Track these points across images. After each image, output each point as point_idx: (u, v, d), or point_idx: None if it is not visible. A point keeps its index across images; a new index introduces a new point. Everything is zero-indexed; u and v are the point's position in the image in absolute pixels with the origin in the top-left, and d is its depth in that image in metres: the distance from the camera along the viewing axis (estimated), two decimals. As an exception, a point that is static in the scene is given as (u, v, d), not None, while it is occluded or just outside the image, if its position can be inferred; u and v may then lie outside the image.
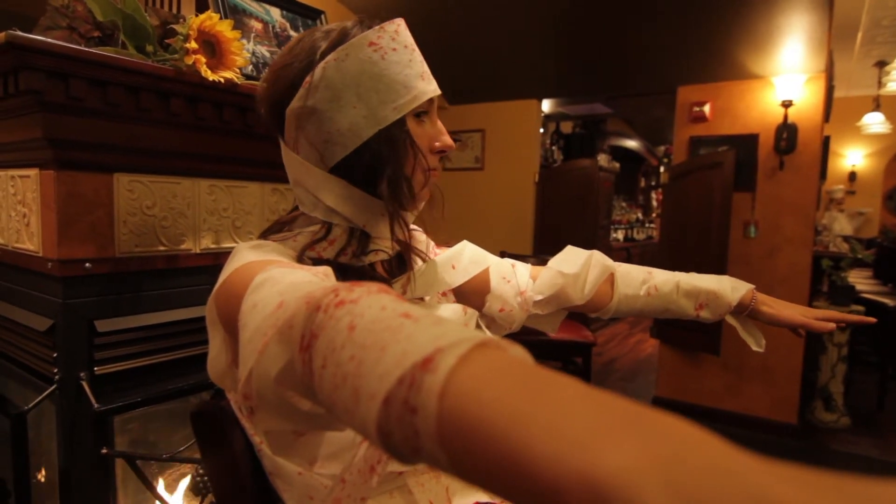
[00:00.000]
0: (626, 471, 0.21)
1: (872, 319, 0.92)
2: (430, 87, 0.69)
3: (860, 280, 4.44)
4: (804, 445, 3.09)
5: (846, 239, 4.64)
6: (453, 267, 0.87)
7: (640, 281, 0.94)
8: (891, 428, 3.40)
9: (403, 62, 0.66)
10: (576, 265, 0.92)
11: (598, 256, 0.94)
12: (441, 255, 0.88)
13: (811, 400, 3.39)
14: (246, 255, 0.59)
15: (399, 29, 0.68)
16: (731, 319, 0.97)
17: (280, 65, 0.68)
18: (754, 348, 0.98)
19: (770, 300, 0.95)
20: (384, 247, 0.72)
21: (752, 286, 0.95)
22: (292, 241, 0.69)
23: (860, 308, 3.33)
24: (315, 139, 0.66)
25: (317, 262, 0.67)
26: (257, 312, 0.45)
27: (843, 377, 3.32)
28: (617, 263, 0.96)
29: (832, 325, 0.92)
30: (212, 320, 0.59)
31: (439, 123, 0.73)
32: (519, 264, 0.95)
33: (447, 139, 0.72)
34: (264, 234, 0.73)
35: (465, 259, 0.90)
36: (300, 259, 0.66)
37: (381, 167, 0.67)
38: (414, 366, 0.30)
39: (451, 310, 0.77)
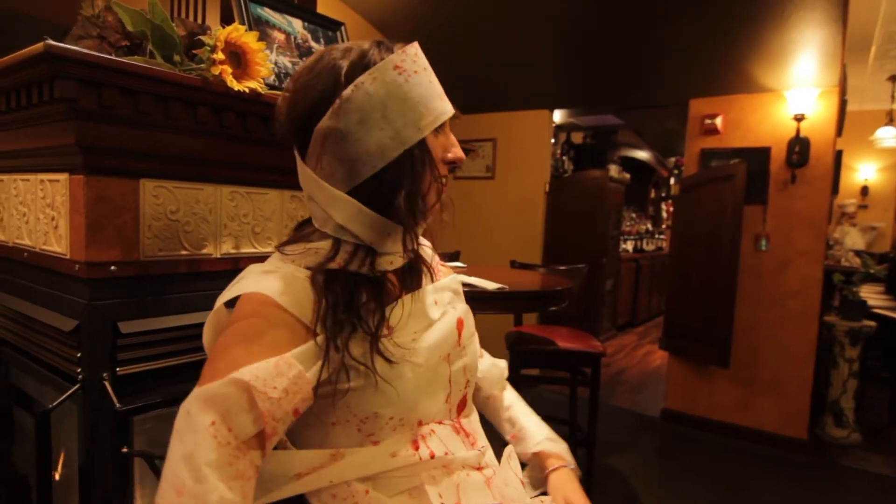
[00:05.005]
0: None
1: None
2: (448, 107, 0.74)
3: (872, 295, 4.40)
4: (814, 461, 3.07)
5: (858, 253, 4.61)
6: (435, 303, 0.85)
7: (505, 406, 1.05)
8: (903, 445, 3.37)
9: (424, 84, 0.70)
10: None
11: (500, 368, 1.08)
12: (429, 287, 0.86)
13: (822, 415, 3.37)
14: (254, 283, 0.66)
15: (418, 52, 0.72)
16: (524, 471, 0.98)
17: (302, 84, 0.71)
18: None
19: (561, 480, 0.93)
20: (394, 259, 0.75)
21: (563, 454, 0.98)
22: (305, 257, 0.72)
23: (872, 324, 3.31)
24: (343, 158, 0.69)
25: (328, 272, 0.70)
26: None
27: (854, 392, 3.30)
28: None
29: None
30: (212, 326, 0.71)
31: (452, 136, 0.77)
32: (486, 353, 1.08)
33: (459, 151, 0.76)
34: (282, 246, 0.76)
35: (446, 299, 0.88)
36: (313, 280, 0.69)
37: (401, 184, 0.70)
38: None
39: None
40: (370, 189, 0.70)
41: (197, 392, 0.57)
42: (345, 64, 0.69)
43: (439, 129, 0.74)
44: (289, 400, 0.59)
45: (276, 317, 0.64)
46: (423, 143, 0.71)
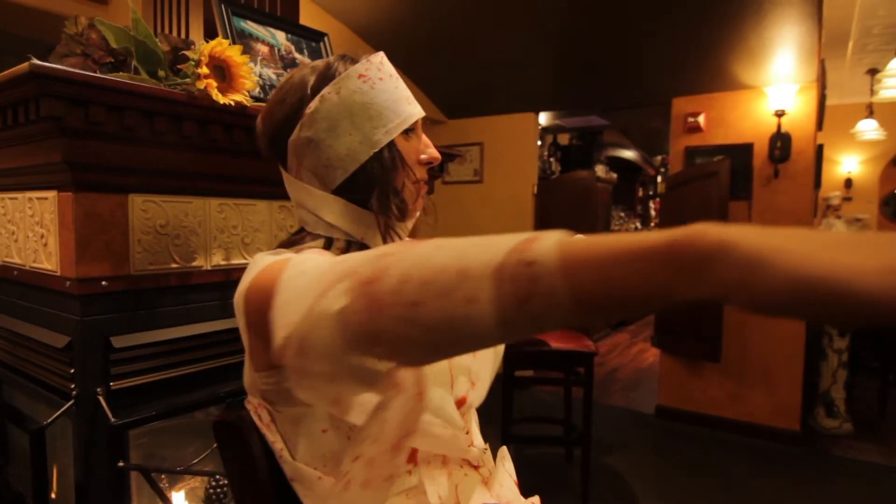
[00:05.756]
0: (709, 225, 0.34)
1: None
2: (415, 110, 0.76)
3: (859, 286, 4.46)
4: (807, 452, 3.10)
5: (843, 245, 4.66)
6: None
7: None
8: (894, 433, 3.42)
9: (390, 90, 0.73)
10: None
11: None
12: None
13: (813, 406, 3.41)
14: (267, 259, 0.64)
15: (383, 60, 0.75)
16: None
17: (274, 101, 0.75)
18: None
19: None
20: None
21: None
22: (306, 251, 0.73)
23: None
24: (316, 165, 0.72)
25: None
26: (303, 278, 0.50)
27: (844, 383, 3.34)
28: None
29: None
30: (240, 324, 0.65)
31: (425, 138, 0.80)
32: None
33: (433, 151, 0.79)
34: (276, 248, 0.77)
35: None
36: None
37: (373, 184, 0.73)
38: (521, 241, 0.39)
39: None
40: (345, 193, 0.73)
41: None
42: (311, 78, 0.73)
43: (410, 133, 0.76)
44: None
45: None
46: (392, 146, 0.73)
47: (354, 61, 0.73)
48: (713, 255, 0.32)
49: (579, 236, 0.39)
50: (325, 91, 0.71)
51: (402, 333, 0.42)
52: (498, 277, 0.37)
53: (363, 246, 0.76)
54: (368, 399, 0.56)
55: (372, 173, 0.72)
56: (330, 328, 0.46)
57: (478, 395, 0.84)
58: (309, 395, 0.58)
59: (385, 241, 0.76)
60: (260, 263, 0.64)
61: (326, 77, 0.72)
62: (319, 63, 0.75)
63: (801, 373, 3.18)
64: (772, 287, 0.30)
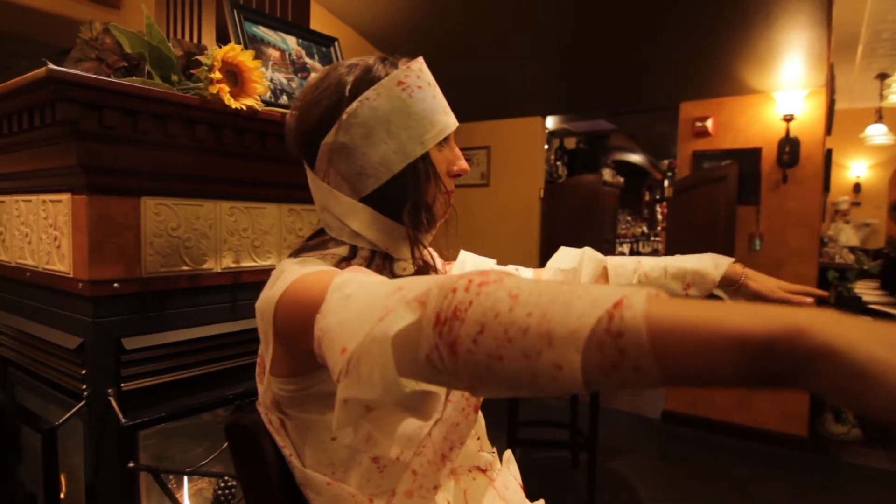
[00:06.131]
0: (812, 318, 0.33)
1: (824, 293, 0.99)
2: (451, 121, 0.75)
3: (867, 291, 4.43)
4: (815, 458, 3.08)
5: (852, 250, 4.65)
6: None
7: (632, 270, 1.02)
8: (902, 440, 3.39)
9: (428, 99, 0.72)
10: (572, 261, 1.01)
11: (590, 252, 1.02)
12: (450, 269, 0.93)
13: (821, 412, 3.38)
14: (297, 269, 0.63)
15: (422, 67, 0.74)
16: (719, 293, 1.04)
17: (308, 100, 0.73)
18: None
19: (755, 275, 1.02)
20: (407, 265, 0.77)
21: (733, 259, 1.02)
22: (330, 257, 0.73)
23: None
24: (348, 172, 0.71)
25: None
26: (356, 301, 0.49)
27: (852, 389, 3.31)
28: (607, 257, 1.04)
29: (809, 300, 0.97)
30: (265, 330, 0.63)
31: (457, 149, 0.79)
32: (521, 268, 1.03)
33: (463, 164, 0.78)
34: (297, 253, 0.76)
35: (469, 266, 0.96)
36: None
37: (406, 196, 0.72)
38: (609, 307, 0.37)
39: None
40: (375, 201, 0.72)
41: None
42: (350, 80, 0.71)
43: (444, 143, 0.75)
44: None
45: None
46: (426, 157, 0.72)
47: (394, 65, 0.72)
48: (817, 359, 0.31)
49: (666, 299, 0.38)
50: (364, 95, 0.69)
51: (479, 376, 0.42)
52: (586, 348, 0.37)
53: (387, 256, 0.75)
54: (404, 430, 0.55)
55: (405, 184, 0.71)
56: (381, 349, 0.45)
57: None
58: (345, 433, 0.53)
59: (413, 254, 0.75)
60: (291, 272, 0.62)
61: (365, 81, 0.70)
62: (357, 63, 0.73)
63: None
64: (874, 404, 0.30)
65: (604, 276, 1.02)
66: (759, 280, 1.01)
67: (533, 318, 0.39)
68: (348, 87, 0.70)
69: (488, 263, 1.00)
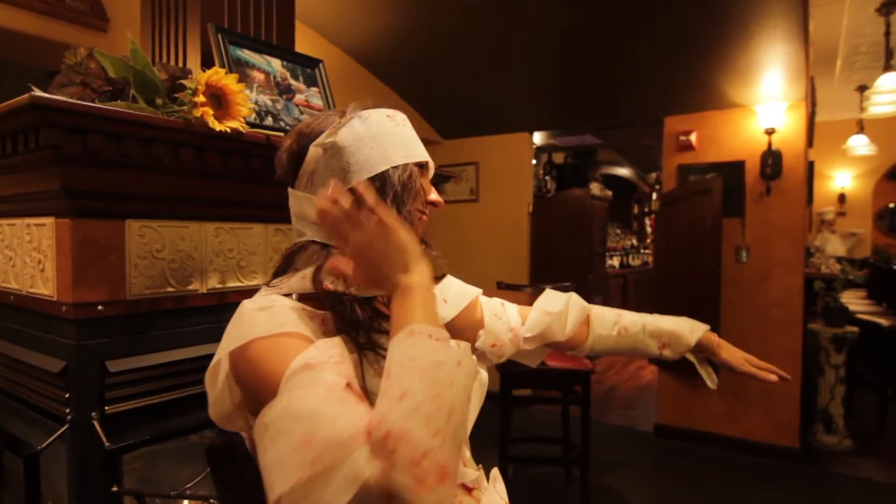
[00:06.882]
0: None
1: (787, 377, 1.09)
2: (429, 158, 0.82)
3: (854, 301, 4.48)
4: (807, 469, 3.09)
5: (838, 260, 4.70)
6: (444, 301, 0.94)
7: (612, 322, 1.08)
8: (894, 449, 3.40)
9: (410, 135, 0.80)
10: (558, 304, 1.06)
11: (575, 298, 1.08)
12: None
13: (812, 423, 3.40)
14: (256, 322, 0.65)
15: (406, 119, 0.82)
16: (690, 356, 1.12)
17: (306, 126, 0.80)
18: (710, 385, 1.14)
19: (726, 346, 1.11)
20: None
21: (708, 327, 1.10)
22: (299, 281, 0.73)
23: (854, 329, 3.37)
24: (335, 167, 0.75)
25: (329, 294, 0.72)
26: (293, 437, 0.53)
27: (842, 399, 3.33)
28: (590, 305, 1.10)
29: (773, 377, 1.07)
30: (214, 376, 0.67)
31: (432, 186, 0.85)
32: (507, 303, 1.08)
33: (439, 197, 0.85)
34: (270, 281, 0.78)
35: (454, 292, 0.99)
36: (315, 285, 0.72)
37: (384, 195, 0.74)
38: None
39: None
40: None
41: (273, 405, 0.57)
42: (343, 111, 0.79)
43: (423, 170, 0.81)
44: (346, 363, 0.61)
45: (294, 340, 0.65)
46: (407, 167, 0.77)
47: (381, 109, 0.80)
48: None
49: None
50: (355, 115, 0.77)
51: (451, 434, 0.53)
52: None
53: None
54: None
55: (385, 184, 0.75)
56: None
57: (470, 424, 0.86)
58: None
59: None
60: (247, 326, 0.65)
61: (356, 110, 0.78)
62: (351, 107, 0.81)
63: (800, 389, 3.18)
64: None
65: (586, 323, 1.08)
66: (729, 351, 1.10)
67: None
68: (346, 111, 0.79)
69: (474, 292, 1.03)
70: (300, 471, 0.49)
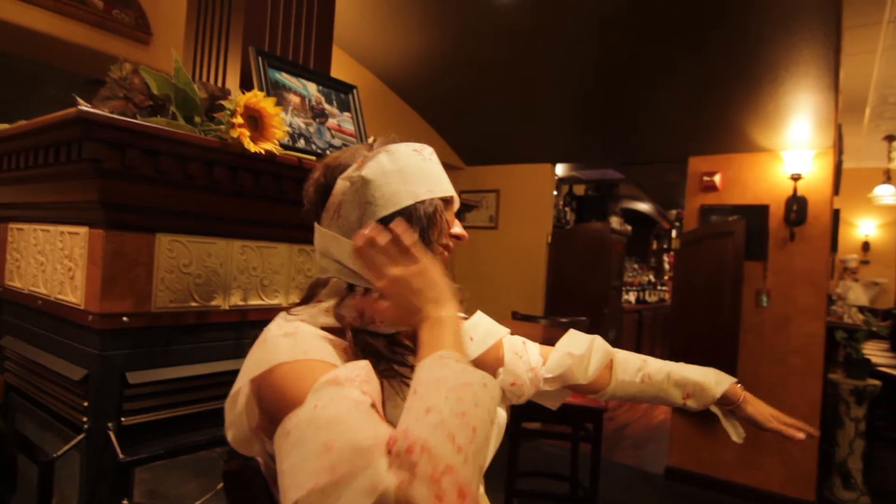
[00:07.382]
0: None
1: (815, 433, 1.06)
2: (454, 192, 0.82)
3: (876, 353, 4.37)
4: (822, 525, 2.98)
5: (861, 310, 4.60)
6: (471, 339, 0.94)
7: (636, 368, 1.06)
8: (913, 510, 3.28)
9: (437, 170, 0.80)
10: (582, 347, 1.04)
11: (599, 341, 1.06)
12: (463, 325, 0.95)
13: (829, 476, 3.29)
14: (279, 347, 0.66)
15: (433, 153, 0.82)
16: (714, 409, 1.09)
17: (334, 160, 0.80)
18: (734, 439, 1.09)
19: (753, 399, 1.08)
20: None
21: (735, 380, 1.07)
22: (321, 312, 0.74)
23: (877, 382, 3.28)
24: (361, 201, 0.75)
25: (353, 329, 0.73)
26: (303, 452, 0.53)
27: (861, 453, 3.23)
28: (615, 350, 1.08)
29: (801, 435, 1.04)
30: (234, 399, 0.68)
31: (457, 220, 0.85)
32: (529, 342, 1.06)
33: (463, 231, 0.84)
34: (291, 308, 0.78)
35: (482, 331, 0.98)
36: (338, 318, 0.73)
37: (412, 227, 0.74)
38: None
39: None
40: None
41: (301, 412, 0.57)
42: (371, 146, 0.80)
43: (448, 205, 0.81)
44: (372, 384, 0.61)
45: (319, 364, 0.66)
46: (433, 202, 0.77)
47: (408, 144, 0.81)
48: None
49: None
50: (382, 149, 0.77)
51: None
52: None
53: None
54: None
55: (409, 219, 0.75)
56: None
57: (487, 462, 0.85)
58: None
59: None
60: (273, 352, 0.65)
61: (383, 144, 0.79)
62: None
63: (817, 440, 3.09)
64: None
65: (609, 367, 1.06)
66: (755, 406, 1.07)
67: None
68: (373, 145, 0.79)
69: (501, 332, 1.02)
70: (318, 476, 0.49)
